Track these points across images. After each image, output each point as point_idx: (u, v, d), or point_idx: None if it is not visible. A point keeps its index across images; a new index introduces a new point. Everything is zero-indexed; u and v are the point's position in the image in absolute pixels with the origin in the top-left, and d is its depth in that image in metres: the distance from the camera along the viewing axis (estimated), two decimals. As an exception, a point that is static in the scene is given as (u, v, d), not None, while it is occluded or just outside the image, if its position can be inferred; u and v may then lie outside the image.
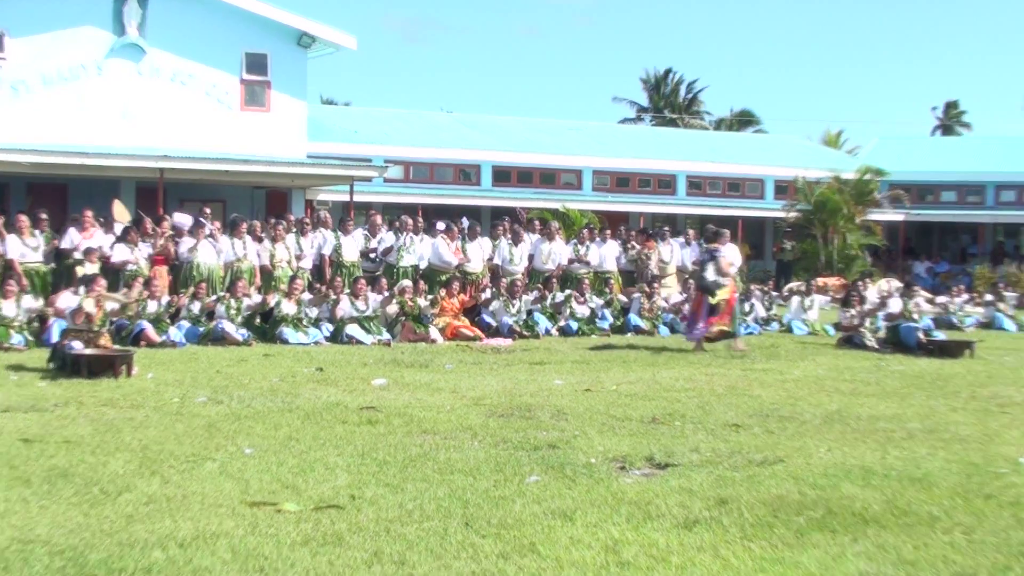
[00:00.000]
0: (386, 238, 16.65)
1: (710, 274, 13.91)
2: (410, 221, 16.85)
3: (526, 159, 30.55)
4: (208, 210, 17.07)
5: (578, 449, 7.00)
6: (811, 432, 7.84)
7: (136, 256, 14.85)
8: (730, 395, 9.73)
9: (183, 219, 16.13)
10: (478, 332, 15.29)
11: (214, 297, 14.29)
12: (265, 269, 15.71)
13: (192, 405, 8.63)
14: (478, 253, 17.06)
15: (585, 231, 18.74)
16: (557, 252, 17.80)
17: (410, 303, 15.02)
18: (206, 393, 9.28)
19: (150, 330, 13.25)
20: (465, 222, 17.53)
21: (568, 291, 16.74)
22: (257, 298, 14.64)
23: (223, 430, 7.51)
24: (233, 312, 14.11)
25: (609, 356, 13.23)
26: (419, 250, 16.64)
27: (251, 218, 18.04)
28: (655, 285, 17.17)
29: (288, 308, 14.45)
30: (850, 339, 15.08)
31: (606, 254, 18.22)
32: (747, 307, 17.37)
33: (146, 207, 18.12)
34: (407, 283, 15.48)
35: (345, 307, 14.64)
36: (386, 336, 14.59)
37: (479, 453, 6.84)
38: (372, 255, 16.68)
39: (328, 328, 14.57)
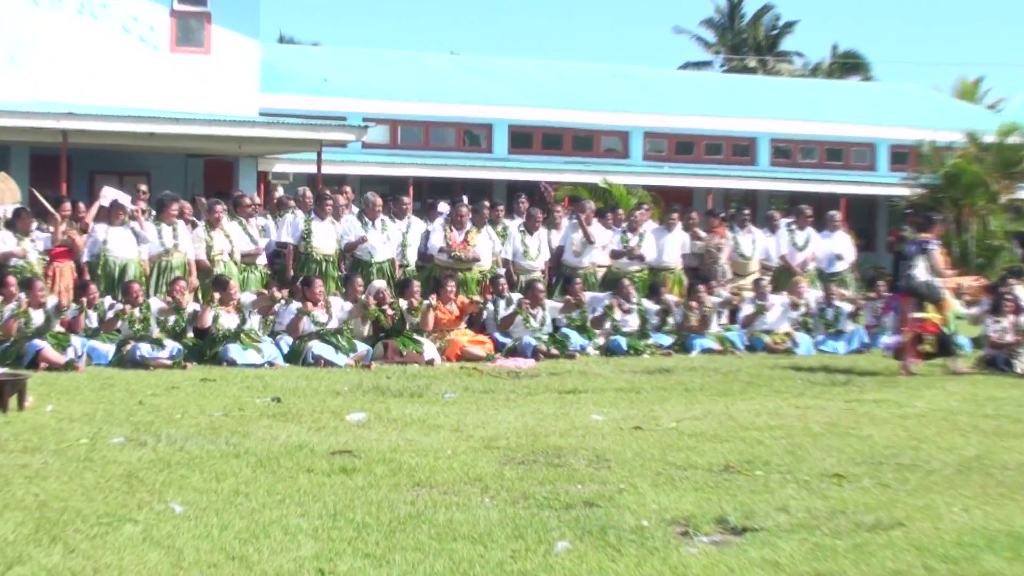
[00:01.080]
0: (349, 224, 16.51)
1: (921, 272, 14.47)
2: (378, 201, 16.80)
3: (554, 117, 30.60)
4: (144, 187, 17.12)
5: (624, 508, 7.00)
6: (940, 485, 7.81)
7: (24, 248, 14.79)
8: (830, 435, 9.70)
9: (115, 195, 15.94)
10: (490, 348, 15.32)
11: (111, 312, 14.14)
12: (202, 264, 15.73)
13: (106, 448, 8.65)
14: (487, 245, 17.03)
15: (639, 213, 18.54)
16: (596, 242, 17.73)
17: (389, 311, 14.99)
18: (124, 432, 9.30)
19: (49, 350, 13.32)
20: (465, 202, 17.50)
21: (607, 295, 16.64)
22: (191, 300, 14.62)
23: (147, 482, 7.53)
24: (139, 327, 14.09)
25: (665, 382, 13.21)
26: (407, 239, 16.66)
27: (185, 197, 18.08)
28: (701, 288, 16.98)
29: (228, 321, 14.46)
30: (993, 360, 15.04)
31: (667, 245, 18.04)
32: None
33: (44, 182, 18.22)
34: (380, 284, 15.50)
35: (302, 319, 14.69)
36: (364, 348, 14.63)
37: (491, 513, 6.85)
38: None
39: (287, 342, 14.62)
